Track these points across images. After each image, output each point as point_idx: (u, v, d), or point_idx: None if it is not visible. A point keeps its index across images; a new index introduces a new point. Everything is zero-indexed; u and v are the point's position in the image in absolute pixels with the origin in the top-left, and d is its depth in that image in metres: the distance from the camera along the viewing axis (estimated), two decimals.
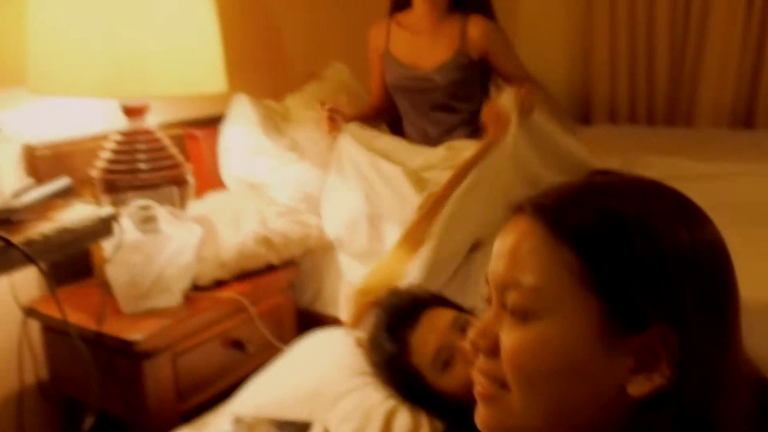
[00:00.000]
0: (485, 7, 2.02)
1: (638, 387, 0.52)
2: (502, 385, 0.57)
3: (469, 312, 1.21)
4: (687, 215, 0.55)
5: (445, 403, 1.13)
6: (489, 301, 0.61)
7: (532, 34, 3.53)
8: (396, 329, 1.19)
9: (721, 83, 3.08)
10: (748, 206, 1.83)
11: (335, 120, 1.86)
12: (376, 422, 1.13)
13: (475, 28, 1.96)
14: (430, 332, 1.15)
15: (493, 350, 0.57)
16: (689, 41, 3.16)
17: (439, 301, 1.25)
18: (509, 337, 0.56)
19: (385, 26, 2.08)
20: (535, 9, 3.55)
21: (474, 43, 1.96)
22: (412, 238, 1.59)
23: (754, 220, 1.73)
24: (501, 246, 0.59)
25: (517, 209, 0.59)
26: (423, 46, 2.00)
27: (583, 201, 0.55)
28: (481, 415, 0.60)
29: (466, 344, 0.60)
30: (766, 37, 2.99)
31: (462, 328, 1.13)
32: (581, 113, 3.53)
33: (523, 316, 0.55)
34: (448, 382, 1.13)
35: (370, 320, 1.28)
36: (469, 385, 1.10)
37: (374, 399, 1.17)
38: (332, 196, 1.84)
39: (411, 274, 1.53)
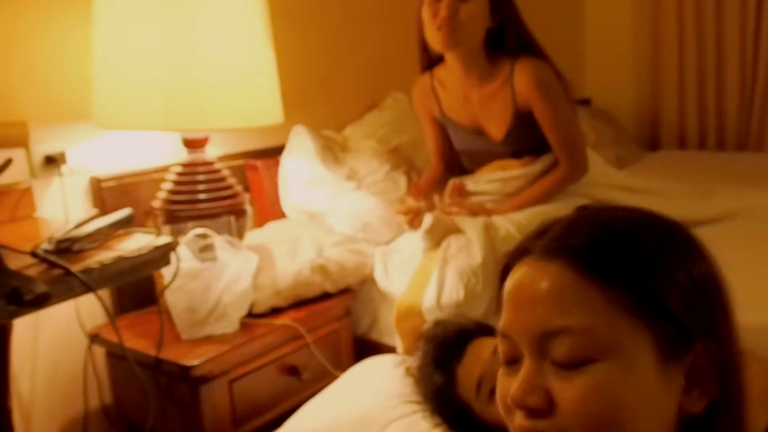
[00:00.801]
0: (529, 44, 1.71)
1: (695, 404, 0.54)
2: None
3: None
4: (679, 238, 0.58)
5: None
6: (508, 358, 0.58)
7: (599, 58, 3.51)
8: (443, 361, 1.20)
9: None
10: None
11: (416, 219, 1.68)
12: None
13: (521, 76, 1.67)
14: (475, 363, 1.15)
15: (547, 407, 0.53)
16: (759, 64, 3.09)
17: (484, 330, 1.24)
18: (569, 387, 0.52)
19: (428, 85, 1.85)
20: (602, 33, 3.52)
21: (522, 95, 1.69)
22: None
23: None
24: (529, 294, 0.56)
25: (522, 254, 0.59)
26: (477, 107, 1.77)
27: (608, 236, 0.56)
28: None
29: (509, 400, 0.56)
30: None
31: None
32: (649, 139, 3.47)
33: (577, 362, 0.52)
34: (494, 411, 1.10)
35: (419, 350, 1.27)
36: None
37: (422, 427, 1.16)
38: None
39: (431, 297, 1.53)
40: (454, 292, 1.51)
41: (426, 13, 1.66)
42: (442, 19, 1.61)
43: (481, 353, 1.17)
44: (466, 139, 1.85)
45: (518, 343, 0.57)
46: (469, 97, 1.77)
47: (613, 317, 0.53)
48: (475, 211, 1.69)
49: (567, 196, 1.78)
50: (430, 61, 1.82)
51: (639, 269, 0.54)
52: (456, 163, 1.92)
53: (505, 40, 1.70)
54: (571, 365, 0.53)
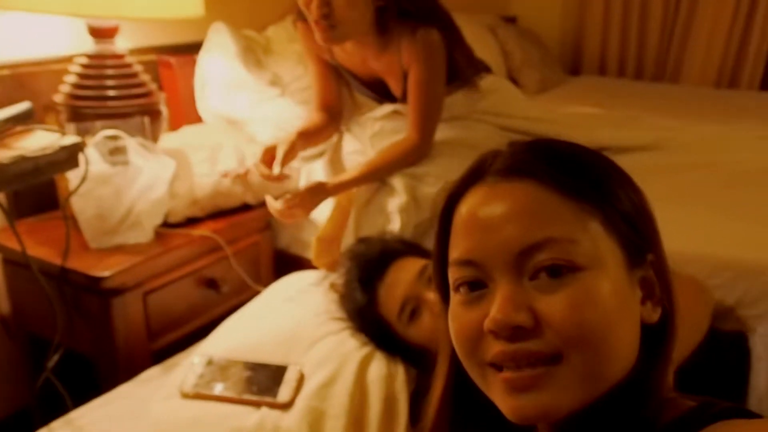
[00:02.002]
0: (429, 11, 1.54)
1: (651, 314, 0.56)
2: (552, 359, 0.51)
3: None
4: (617, 166, 0.60)
5: (416, 351, 1.12)
6: (470, 287, 0.55)
7: None
8: (365, 279, 1.18)
9: (710, 43, 3.12)
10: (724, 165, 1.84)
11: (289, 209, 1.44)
12: (351, 367, 1.11)
13: (408, 46, 1.51)
14: (397, 284, 1.14)
15: (534, 324, 0.51)
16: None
17: (409, 249, 1.22)
18: (556, 299, 0.51)
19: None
20: None
21: (405, 62, 1.54)
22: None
23: (732, 181, 1.74)
24: (499, 214, 0.54)
25: (473, 180, 0.58)
26: (376, 66, 1.61)
27: (565, 156, 0.57)
28: (520, 405, 0.52)
29: (488, 324, 0.52)
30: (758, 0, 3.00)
31: (430, 278, 1.11)
32: (571, 63, 3.53)
33: (560, 272, 0.52)
34: (415, 332, 1.12)
35: (342, 266, 1.24)
36: (435, 335, 1.09)
37: (350, 345, 1.15)
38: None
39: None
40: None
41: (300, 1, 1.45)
42: (315, 21, 1.43)
43: (404, 273, 1.15)
44: (364, 90, 1.70)
45: (488, 267, 0.54)
46: (366, 60, 1.60)
47: (590, 229, 0.54)
48: (313, 201, 1.45)
49: (475, 122, 1.71)
50: None
51: (605, 186, 0.56)
52: (339, 111, 1.72)
53: (399, 12, 1.49)
54: (555, 277, 0.52)
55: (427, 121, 1.55)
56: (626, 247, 0.55)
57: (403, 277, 1.15)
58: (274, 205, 1.44)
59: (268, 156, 1.52)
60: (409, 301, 1.12)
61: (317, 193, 1.45)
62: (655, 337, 0.56)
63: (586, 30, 3.43)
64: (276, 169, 1.49)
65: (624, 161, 0.60)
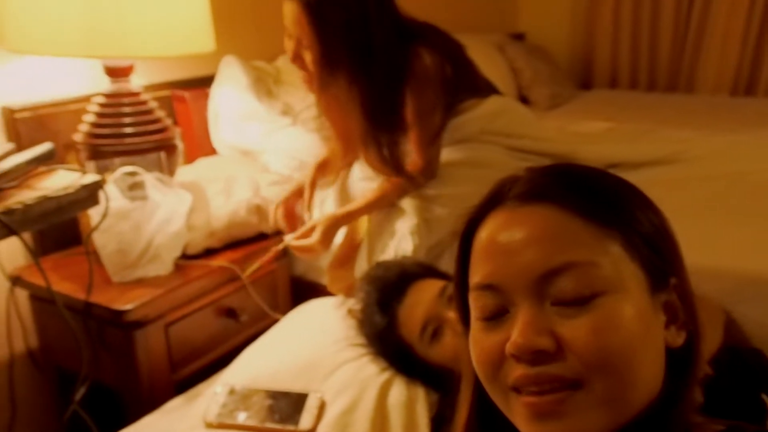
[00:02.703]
0: (417, 31, 1.49)
1: (675, 338, 0.56)
2: (574, 384, 0.51)
3: None
4: (636, 189, 0.60)
5: (438, 373, 1.12)
6: (491, 312, 0.56)
7: None
8: (384, 302, 1.18)
9: (724, 50, 3.07)
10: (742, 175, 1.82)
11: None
12: (372, 393, 1.11)
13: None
14: (417, 304, 1.14)
15: (556, 349, 0.51)
16: (694, 7, 3.13)
17: (427, 271, 1.23)
18: (578, 323, 0.51)
19: None
20: None
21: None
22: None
23: (750, 192, 1.71)
24: (519, 238, 0.54)
25: (492, 205, 0.58)
26: None
27: (586, 181, 0.57)
28: (544, 431, 0.52)
29: (510, 348, 0.53)
30: None
31: (450, 298, 1.12)
32: (582, 77, 3.50)
33: (582, 297, 0.52)
34: (437, 353, 1.12)
35: (360, 291, 1.26)
36: (457, 356, 1.09)
37: (370, 371, 1.16)
38: None
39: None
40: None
41: (286, 44, 1.45)
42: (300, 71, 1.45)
43: (424, 294, 1.16)
44: None
45: (509, 291, 0.54)
46: None
47: (611, 252, 0.53)
48: (328, 236, 1.47)
49: (485, 144, 1.67)
50: None
51: (625, 209, 0.56)
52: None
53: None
54: (577, 301, 0.52)
55: (428, 144, 1.54)
56: (649, 270, 0.55)
57: (424, 297, 1.15)
58: (293, 243, 1.48)
59: (290, 205, 1.58)
60: (431, 320, 1.12)
61: (331, 226, 1.47)
62: (681, 361, 0.56)
63: (595, 43, 3.40)
64: (306, 215, 1.56)
65: (639, 176, 0.60)
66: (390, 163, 1.49)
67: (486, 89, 1.78)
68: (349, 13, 1.36)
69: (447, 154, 1.60)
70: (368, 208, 1.53)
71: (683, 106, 2.79)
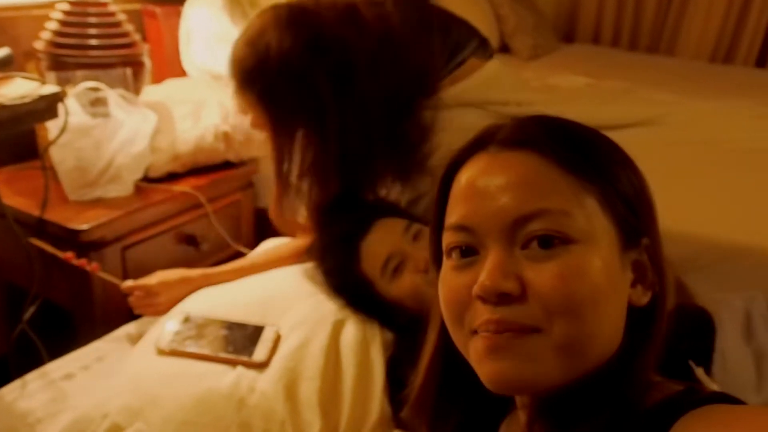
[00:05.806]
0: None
1: (641, 297, 0.56)
2: (533, 328, 0.51)
3: (423, 222, 1.17)
4: (619, 147, 0.60)
5: (395, 312, 1.12)
6: (462, 252, 0.56)
7: None
8: (347, 237, 1.16)
9: (708, 16, 3.08)
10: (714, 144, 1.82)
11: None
12: (326, 330, 1.11)
13: None
14: (382, 239, 1.14)
15: (521, 292, 0.52)
16: None
17: (392, 210, 1.22)
18: (544, 269, 0.52)
19: None
20: None
21: None
22: None
23: (724, 161, 1.72)
24: (498, 182, 0.55)
25: (476, 149, 0.58)
26: None
27: (568, 132, 0.57)
28: (496, 369, 0.52)
29: (476, 290, 0.53)
30: None
31: (414, 236, 1.13)
32: (566, 31, 3.48)
33: (551, 243, 0.52)
34: (397, 289, 1.12)
35: (323, 227, 1.24)
36: (417, 293, 1.09)
37: (328, 308, 1.15)
38: None
39: None
40: None
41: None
42: None
43: (389, 230, 1.15)
44: None
45: (481, 234, 0.55)
46: None
47: (586, 205, 0.54)
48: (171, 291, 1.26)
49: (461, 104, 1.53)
50: None
51: (606, 166, 0.56)
52: None
53: None
54: (544, 245, 0.52)
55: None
56: (622, 227, 0.55)
57: (388, 233, 1.14)
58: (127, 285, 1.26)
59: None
60: (394, 255, 1.12)
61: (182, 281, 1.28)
62: (642, 321, 0.57)
63: None
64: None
65: (618, 137, 0.60)
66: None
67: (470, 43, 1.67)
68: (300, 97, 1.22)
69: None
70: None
71: (663, 69, 2.78)
